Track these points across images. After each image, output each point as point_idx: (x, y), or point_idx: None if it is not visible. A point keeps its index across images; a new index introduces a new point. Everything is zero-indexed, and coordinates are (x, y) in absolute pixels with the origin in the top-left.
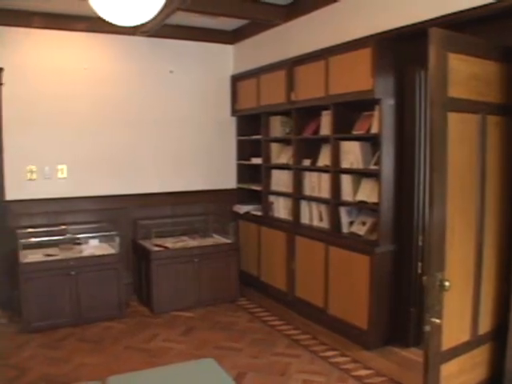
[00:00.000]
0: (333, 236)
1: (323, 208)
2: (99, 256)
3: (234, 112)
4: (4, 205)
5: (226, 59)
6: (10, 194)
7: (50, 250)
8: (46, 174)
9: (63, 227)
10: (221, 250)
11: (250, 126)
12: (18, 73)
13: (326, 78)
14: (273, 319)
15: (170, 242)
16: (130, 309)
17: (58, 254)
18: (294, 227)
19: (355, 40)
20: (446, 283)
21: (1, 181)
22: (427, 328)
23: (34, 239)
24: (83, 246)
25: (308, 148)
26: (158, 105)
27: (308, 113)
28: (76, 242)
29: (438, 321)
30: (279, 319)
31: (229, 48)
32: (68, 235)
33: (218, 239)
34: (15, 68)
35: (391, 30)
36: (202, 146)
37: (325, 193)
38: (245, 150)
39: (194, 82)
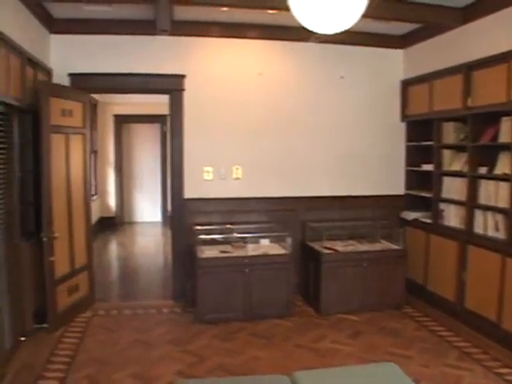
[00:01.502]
0: (511, 247)
1: (500, 218)
2: (272, 255)
3: (403, 117)
4: (183, 203)
5: (395, 64)
6: (188, 193)
7: (222, 247)
8: (222, 175)
9: (235, 226)
10: (389, 256)
11: (421, 132)
12: (197, 79)
13: (508, 83)
14: (440, 329)
15: (338, 245)
16: (295, 308)
17: (231, 251)
18: (466, 236)
19: None
20: None
21: (181, 180)
22: None
23: (208, 236)
24: (254, 245)
25: (484, 155)
26: (327, 110)
27: (485, 119)
28: (247, 241)
29: None
30: (447, 330)
31: (399, 53)
32: (239, 234)
33: (386, 245)
34: (195, 75)
35: None
36: (371, 151)
37: (503, 202)
38: (414, 155)
39: (364, 87)
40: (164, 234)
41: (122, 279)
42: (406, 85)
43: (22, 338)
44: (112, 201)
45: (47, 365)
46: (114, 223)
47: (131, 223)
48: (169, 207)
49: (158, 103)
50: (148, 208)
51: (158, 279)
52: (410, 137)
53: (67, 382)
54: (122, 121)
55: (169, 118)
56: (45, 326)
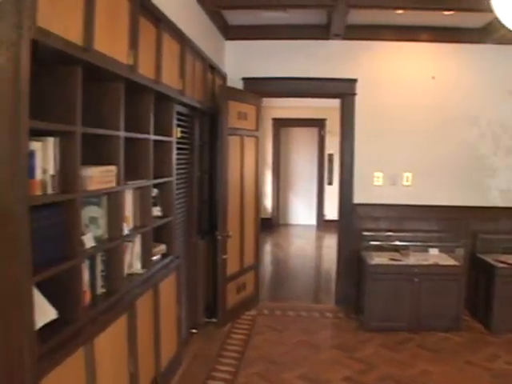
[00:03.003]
0: None
1: None
2: (443, 266)
3: None
4: (351, 207)
5: None
6: (357, 198)
7: (390, 254)
8: (392, 180)
9: (400, 233)
10: None
11: None
12: (368, 83)
13: None
14: None
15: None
16: (463, 322)
17: (400, 258)
18: None
19: None
20: None
21: (350, 184)
22: None
23: (376, 242)
24: (422, 254)
25: None
26: (504, 114)
27: None
28: (409, 248)
29: None
30: None
31: None
32: (407, 241)
33: None
34: (366, 79)
35: None
36: None
37: None
38: None
39: None
40: (319, 237)
41: (282, 280)
42: None
43: (194, 330)
44: (268, 202)
45: (218, 358)
46: (271, 224)
47: (286, 225)
48: (325, 211)
49: (317, 107)
50: (303, 211)
51: (317, 282)
52: None
53: (239, 377)
54: (280, 124)
55: (327, 123)
56: (213, 320)
